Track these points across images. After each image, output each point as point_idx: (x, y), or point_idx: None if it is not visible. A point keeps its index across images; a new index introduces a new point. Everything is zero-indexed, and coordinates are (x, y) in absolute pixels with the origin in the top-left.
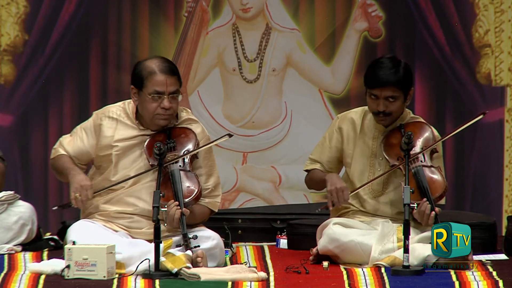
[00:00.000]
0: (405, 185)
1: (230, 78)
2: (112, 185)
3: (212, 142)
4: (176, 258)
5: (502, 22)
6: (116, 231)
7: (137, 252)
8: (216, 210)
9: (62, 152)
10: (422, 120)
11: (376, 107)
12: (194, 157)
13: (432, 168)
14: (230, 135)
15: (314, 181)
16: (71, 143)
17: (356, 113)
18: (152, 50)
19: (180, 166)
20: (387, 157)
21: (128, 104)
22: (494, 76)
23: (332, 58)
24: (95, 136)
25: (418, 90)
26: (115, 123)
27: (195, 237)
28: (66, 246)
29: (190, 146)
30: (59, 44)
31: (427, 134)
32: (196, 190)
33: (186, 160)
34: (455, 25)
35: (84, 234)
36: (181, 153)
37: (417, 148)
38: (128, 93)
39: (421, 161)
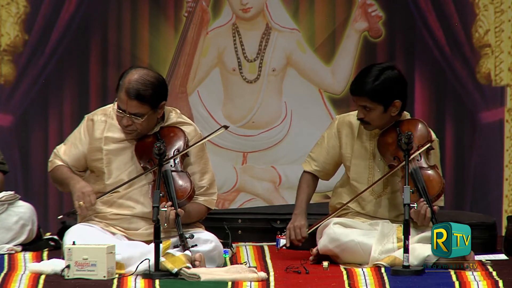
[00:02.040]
0: (405, 185)
1: (230, 78)
2: (112, 190)
3: (199, 141)
4: (176, 258)
5: (502, 22)
6: (114, 233)
7: (136, 252)
8: (213, 208)
9: (59, 162)
10: (416, 118)
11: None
12: (184, 156)
13: (429, 167)
14: (226, 127)
15: (300, 188)
16: (67, 152)
17: (354, 116)
18: (152, 50)
19: (171, 166)
20: (382, 156)
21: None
22: (494, 76)
23: (332, 58)
24: (88, 136)
25: (418, 90)
26: (103, 124)
27: (192, 237)
28: (66, 246)
29: (179, 145)
30: (59, 44)
31: (420, 128)
32: (189, 189)
33: (177, 160)
34: (455, 25)
35: (82, 238)
36: (171, 153)
37: (413, 145)
38: None
39: (417, 160)
